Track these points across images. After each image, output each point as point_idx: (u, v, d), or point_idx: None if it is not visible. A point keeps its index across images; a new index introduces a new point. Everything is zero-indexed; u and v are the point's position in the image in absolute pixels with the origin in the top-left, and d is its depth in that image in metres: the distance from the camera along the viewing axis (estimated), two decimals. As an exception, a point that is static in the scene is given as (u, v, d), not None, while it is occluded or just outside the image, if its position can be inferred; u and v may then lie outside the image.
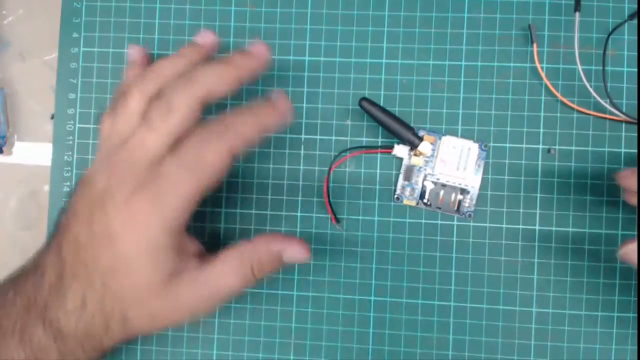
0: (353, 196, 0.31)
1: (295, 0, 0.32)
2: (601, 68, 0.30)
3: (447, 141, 0.30)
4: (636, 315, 0.30)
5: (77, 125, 0.32)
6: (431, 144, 0.30)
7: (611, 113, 0.29)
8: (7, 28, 0.33)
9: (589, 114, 0.30)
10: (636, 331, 0.30)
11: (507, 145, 0.31)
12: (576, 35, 0.29)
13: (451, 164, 0.30)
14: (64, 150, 0.32)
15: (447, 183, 0.30)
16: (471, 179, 0.30)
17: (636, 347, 0.29)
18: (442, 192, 0.30)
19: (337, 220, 0.31)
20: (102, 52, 0.33)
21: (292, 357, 0.31)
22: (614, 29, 0.30)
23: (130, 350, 0.31)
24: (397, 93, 0.31)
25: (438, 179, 0.30)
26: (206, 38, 0.28)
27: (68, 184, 0.32)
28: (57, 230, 0.25)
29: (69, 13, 0.33)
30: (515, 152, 0.31)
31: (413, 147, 0.30)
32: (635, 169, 0.26)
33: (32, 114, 0.33)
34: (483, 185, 0.30)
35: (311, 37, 0.32)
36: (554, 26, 0.31)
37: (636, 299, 0.30)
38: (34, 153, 0.33)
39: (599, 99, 0.29)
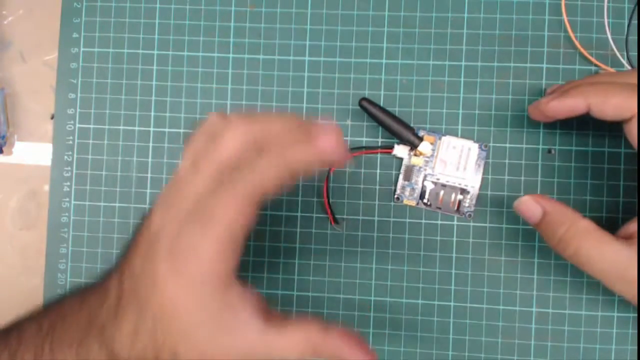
0: (353, 196, 0.31)
1: (295, 0, 0.32)
2: (598, 69, 0.30)
3: (447, 141, 0.30)
4: (636, 315, 0.30)
5: (77, 125, 0.32)
6: (431, 144, 0.30)
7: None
8: (7, 28, 0.33)
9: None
10: (636, 331, 0.30)
11: (507, 145, 0.31)
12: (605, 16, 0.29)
13: (451, 164, 0.30)
14: (64, 150, 0.32)
15: (447, 183, 0.30)
16: (471, 179, 0.30)
17: (636, 347, 0.29)
18: (442, 192, 0.30)
19: (336, 221, 0.31)
20: (102, 52, 0.33)
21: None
22: (632, 14, 0.30)
23: (130, 350, 0.31)
24: (397, 93, 0.31)
25: (438, 179, 0.30)
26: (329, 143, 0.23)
27: (68, 184, 0.32)
28: (124, 253, 0.25)
29: (69, 13, 0.33)
30: (515, 152, 0.31)
31: (413, 147, 0.30)
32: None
33: (32, 114, 0.33)
34: (483, 185, 0.30)
35: (311, 37, 0.32)
36: (554, 26, 0.31)
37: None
38: (34, 153, 0.33)
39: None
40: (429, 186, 0.30)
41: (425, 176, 0.31)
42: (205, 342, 0.24)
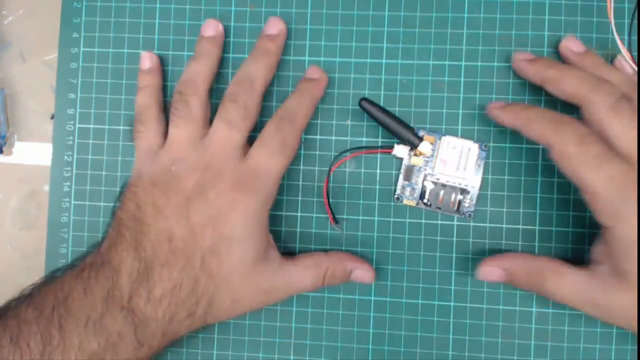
0: (353, 196, 0.31)
1: (295, 0, 0.32)
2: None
3: (447, 141, 0.30)
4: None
5: (77, 125, 0.32)
6: (431, 144, 0.30)
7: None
8: (7, 28, 0.33)
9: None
10: (636, 331, 0.30)
11: (507, 145, 0.31)
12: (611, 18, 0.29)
13: (451, 164, 0.30)
14: (64, 150, 0.32)
15: (447, 183, 0.30)
16: (471, 179, 0.30)
17: (636, 347, 0.29)
18: (442, 192, 0.30)
19: (336, 222, 0.31)
20: (102, 52, 0.33)
21: (292, 357, 0.31)
22: (633, 16, 0.29)
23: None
24: (397, 93, 0.31)
25: (438, 179, 0.30)
26: (214, 28, 0.31)
27: (68, 184, 0.32)
28: (125, 229, 0.27)
29: (69, 13, 0.33)
30: (515, 152, 0.31)
31: (413, 147, 0.30)
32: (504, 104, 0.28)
33: (32, 114, 0.33)
34: (483, 185, 0.30)
35: (311, 37, 0.32)
36: (554, 26, 0.31)
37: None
38: (34, 153, 0.33)
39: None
40: (429, 186, 0.30)
41: (425, 176, 0.30)
42: (239, 285, 0.27)
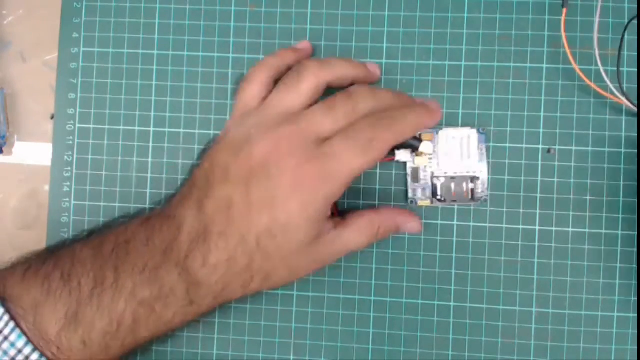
0: (353, 196, 0.31)
1: (295, 0, 0.32)
2: (599, 67, 0.30)
3: (445, 134, 0.30)
4: (636, 315, 0.30)
5: (77, 125, 0.32)
6: (430, 141, 0.30)
7: (611, 108, 0.29)
8: (7, 28, 0.33)
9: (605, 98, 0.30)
10: (636, 331, 0.30)
11: (507, 145, 0.31)
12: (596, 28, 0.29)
13: (454, 155, 0.30)
14: (64, 150, 0.32)
15: (456, 175, 0.30)
16: (477, 164, 0.30)
17: (636, 347, 0.29)
18: (453, 185, 0.30)
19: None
20: (102, 52, 0.33)
21: (292, 357, 0.31)
22: (629, 22, 0.29)
23: (130, 350, 0.31)
24: (397, 93, 0.31)
25: (446, 173, 0.30)
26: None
27: (68, 184, 0.32)
28: (195, 187, 0.27)
29: (69, 13, 0.33)
30: (515, 152, 0.31)
31: (414, 149, 0.30)
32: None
33: (32, 114, 0.33)
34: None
35: (311, 37, 0.32)
36: (554, 26, 0.31)
37: (636, 299, 0.30)
38: (34, 153, 0.33)
39: (599, 90, 0.29)
40: (439, 182, 0.30)
41: (432, 173, 0.30)
42: (297, 262, 0.27)
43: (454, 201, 0.30)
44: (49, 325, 0.25)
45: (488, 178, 0.30)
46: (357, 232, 0.28)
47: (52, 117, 0.33)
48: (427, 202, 0.31)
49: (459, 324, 0.30)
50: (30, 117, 0.33)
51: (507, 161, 0.31)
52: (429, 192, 0.30)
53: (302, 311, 0.31)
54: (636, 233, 0.30)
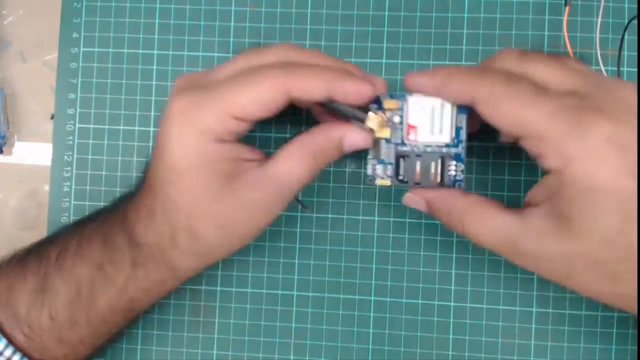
0: (353, 196, 0.31)
1: (295, 0, 0.32)
2: (600, 67, 0.30)
3: (415, 102, 0.25)
4: (636, 315, 0.30)
5: (77, 125, 0.32)
6: (394, 110, 0.25)
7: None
8: (7, 28, 0.34)
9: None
10: (636, 331, 0.30)
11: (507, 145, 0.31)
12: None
13: (424, 128, 0.25)
14: (64, 150, 0.32)
15: (424, 152, 0.25)
16: (451, 140, 0.25)
17: (636, 347, 0.29)
18: (418, 164, 0.25)
19: (304, 206, 0.31)
20: (102, 52, 0.33)
21: (292, 357, 0.31)
22: (629, 22, 0.29)
23: (129, 350, 0.31)
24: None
25: (413, 148, 0.25)
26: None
27: (68, 184, 0.32)
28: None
29: (69, 13, 0.33)
30: (515, 152, 0.31)
31: (361, 121, 0.25)
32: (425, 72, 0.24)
33: (32, 114, 0.33)
34: (482, 185, 0.30)
35: (311, 37, 0.32)
36: (554, 26, 0.31)
37: (636, 299, 0.30)
38: (34, 153, 0.33)
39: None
40: (404, 160, 0.25)
41: (396, 148, 0.25)
42: (221, 214, 0.25)
43: (418, 184, 0.25)
44: (20, 300, 0.26)
45: (461, 158, 0.25)
46: (288, 159, 0.24)
47: (52, 117, 0.33)
48: (388, 182, 0.26)
49: (459, 324, 0.30)
50: (30, 117, 0.33)
51: (507, 161, 0.30)
52: (390, 171, 0.26)
53: (302, 311, 0.31)
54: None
